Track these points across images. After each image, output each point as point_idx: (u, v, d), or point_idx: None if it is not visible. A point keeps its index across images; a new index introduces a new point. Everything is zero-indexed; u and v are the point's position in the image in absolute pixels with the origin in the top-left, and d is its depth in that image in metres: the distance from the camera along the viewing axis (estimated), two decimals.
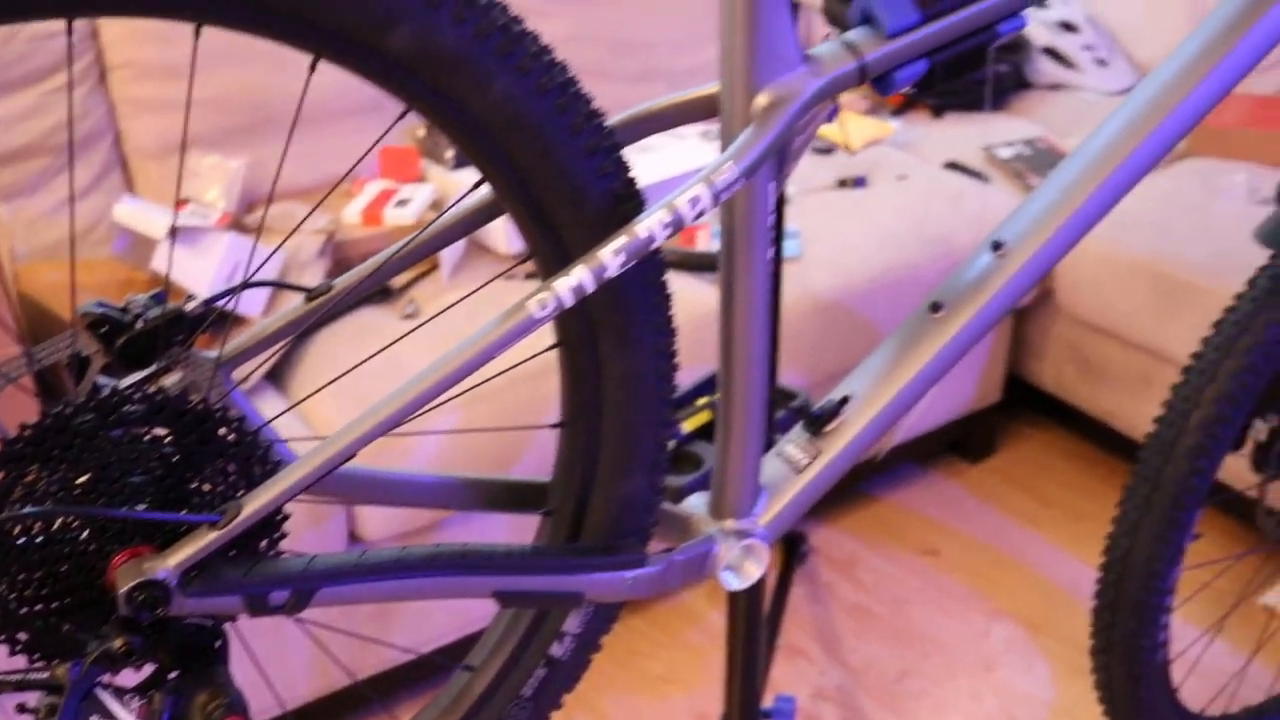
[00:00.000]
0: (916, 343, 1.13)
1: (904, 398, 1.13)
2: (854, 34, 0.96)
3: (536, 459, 1.94)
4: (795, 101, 0.92)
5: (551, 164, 0.87)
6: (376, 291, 2.05)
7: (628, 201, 0.92)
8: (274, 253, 1.80)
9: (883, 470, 2.58)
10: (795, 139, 1.03)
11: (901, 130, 2.74)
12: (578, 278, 0.87)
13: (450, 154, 2.29)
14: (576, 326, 0.96)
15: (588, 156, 0.89)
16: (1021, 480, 2.65)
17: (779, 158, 1.02)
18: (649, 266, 0.95)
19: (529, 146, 0.86)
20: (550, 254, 0.92)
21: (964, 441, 2.70)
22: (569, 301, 0.88)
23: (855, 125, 2.70)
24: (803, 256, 2.21)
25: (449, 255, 2.12)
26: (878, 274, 2.24)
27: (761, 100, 0.92)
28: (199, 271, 1.94)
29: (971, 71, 1.03)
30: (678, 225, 0.89)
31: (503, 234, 2.15)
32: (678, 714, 2.10)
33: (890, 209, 2.37)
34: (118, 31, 2.20)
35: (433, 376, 0.88)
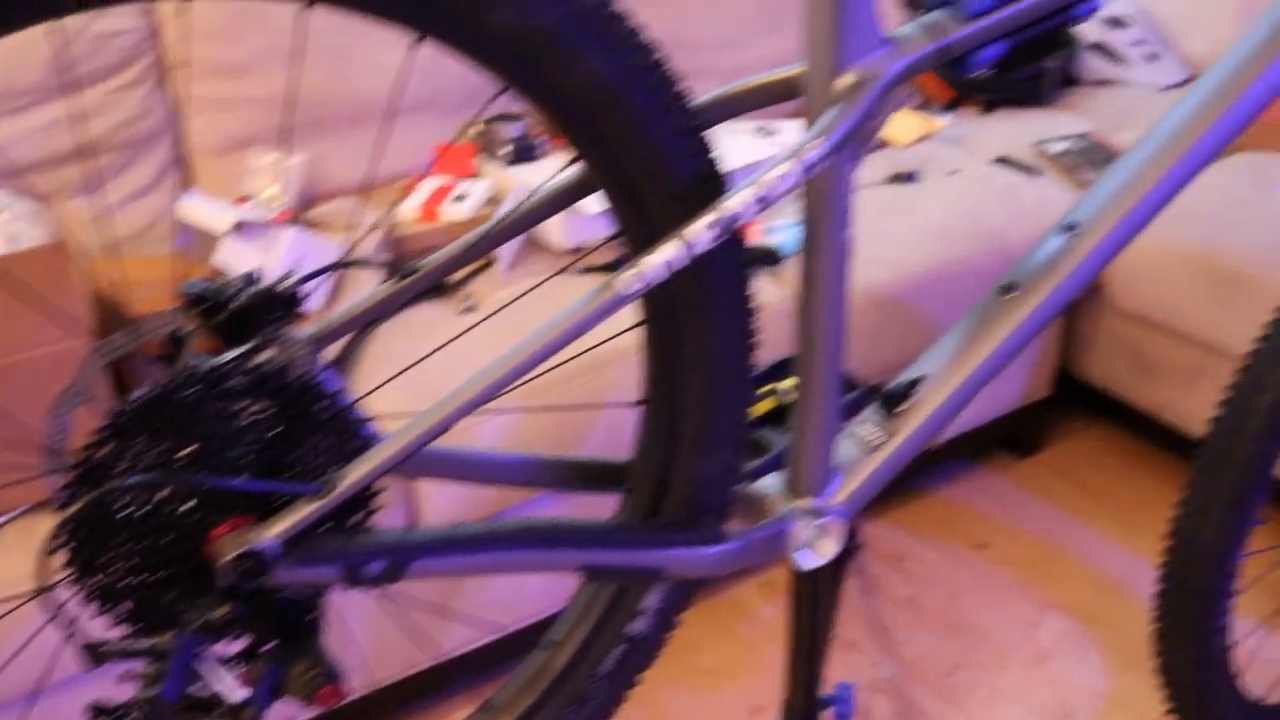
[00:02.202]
0: (989, 324, 1.14)
1: (976, 378, 1.14)
2: (935, 15, 0.97)
3: (598, 446, 1.95)
4: (879, 81, 0.94)
5: (642, 142, 0.89)
6: (432, 287, 2.07)
7: (713, 180, 0.93)
8: (355, 244, 1.82)
9: (932, 465, 2.58)
10: (871, 123, 1.05)
11: (951, 126, 2.75)
12: (669, 253, 0.89)
13: (505, 150, 2.31)
14: (662, 304, 0.97)
15: (676, 135, 0.90)
16: (1071, 474, 2.65)
17: (860, 141, 1.03)
18: (734, 245, 0.96)
19: (620, 124, 0.88)
20: (639, 232, 0.93)
21: (1013, 436, 2.70)
22: (659, 277, 0.89)
23: (905, 121, 2.71)
24: (857, 251, 2.22)
25: (507, 250, 2.14)
26: (931, 268, 2.25)
27: (846, 80, 0.94)
28: (262, 266, 1.97)
29: (1048, 55, 1.04)
30: (766, 201, 0.91)
31: (559, 230, 2.16)
32: (731, 706, 2.11)
33: (942, 204, 2.38)
34: (181, 31, 2.23)
35: (522, 353, 0.90)
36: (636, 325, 1.00)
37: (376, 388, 1.11)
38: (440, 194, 2.22)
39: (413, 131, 2.40)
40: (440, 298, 2.11)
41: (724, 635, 2.25)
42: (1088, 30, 2.92)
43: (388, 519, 1.83)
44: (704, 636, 2.24)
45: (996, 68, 1.03)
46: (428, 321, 2.01)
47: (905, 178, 2.46)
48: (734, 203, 0.89)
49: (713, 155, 0.94)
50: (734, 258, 0.97)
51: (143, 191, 2.24)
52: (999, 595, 2.32)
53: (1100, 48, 2.93)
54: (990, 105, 2.85)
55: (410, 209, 2.20)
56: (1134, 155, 1.16)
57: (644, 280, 0.89)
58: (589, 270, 2.11)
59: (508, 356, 0.90)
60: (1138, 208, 1.13)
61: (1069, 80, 2.95)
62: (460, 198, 2.21)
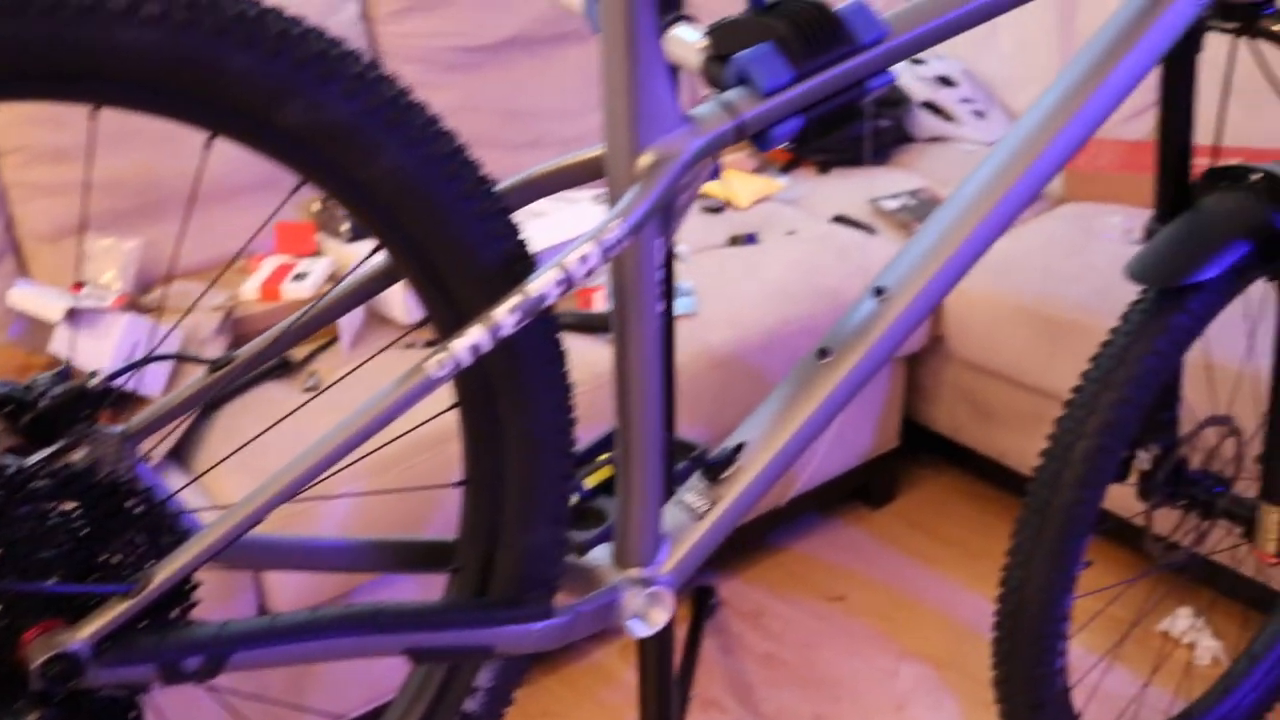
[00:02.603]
0: (806, 388, 1.17)
1: (796, 442, 1.17)
2: (732, 94, 1.00)
3: (443, 525, 1.95)
4: (677, 160, 0.96)
5: (443, 229, 0.90)
6: (278, 366, 2.06)
7: (520, 262, 0.95)
8: (171, 330, 1.81)
9: (787, 520, 2.61)
10: (680, 196, 1.07)
11: (789, 187, 2.80)
12: (474, 337, 0.90)
13: (345, 227, 2.30)
14: (475, 386, 0.98)
15: (479, 220, 0.92)
16: (922, 522, 2.70)
17: (665, 215, 1.05)
18: (544, 324, 0.98)
19: (420, 213, 0.89)
20: (446, 316, 0.95)
21: (865, 488, 2.75)
22: (466, 360, 0.90)
23: (744, 183, 2.76)
24: (698, 313, 2.26)
25: (348, 326, 2.13)
26: (772, 327, 2.29)
27: (645, 160, 0.96)
28: (97, 353, 1.94)
29: (846, 126, 1.07)
30: (569, 283, 0.93)
31: (401, 303, 2.16)
32: None
33: (781, 263, 2.42)
34: (8, 117, 2.20)
35: (334, 440, 0.91)
36: (451, 408, 1.01)
37: (197, 477, 1.11)
38: (281, 273, 2.22)
39: (252, 211, 2.39)
40: (285, 377, 2.10)
41: (586, 700, 2.25)
42: (919, 89, 3.01)
43: (237, 608, 1.81)
44: (566, 702, 2.24)
45: (797, 141, 1.06)
46: (272, 401, 2.00)
47: (745, 239, 2.50)
48: (536, 286, 0.90)
49: (519, 237, 0.95)
50: (544, 336, 0.98)
51: None
52: (856, 646, 2.36)
53: (930, 106, 3.01)
54: (826, 165, 2.92)
55: (251, 289, 2.19)
56: (938, 219, 1.19)
57: (451, 364, 0.90)
58: (434, 343, 2.11)
59: (322, 443, 0.91)
60: (943, 270, 1.17)
61: (903, 138, 3.03)
62: (300, 276, 2.20)
